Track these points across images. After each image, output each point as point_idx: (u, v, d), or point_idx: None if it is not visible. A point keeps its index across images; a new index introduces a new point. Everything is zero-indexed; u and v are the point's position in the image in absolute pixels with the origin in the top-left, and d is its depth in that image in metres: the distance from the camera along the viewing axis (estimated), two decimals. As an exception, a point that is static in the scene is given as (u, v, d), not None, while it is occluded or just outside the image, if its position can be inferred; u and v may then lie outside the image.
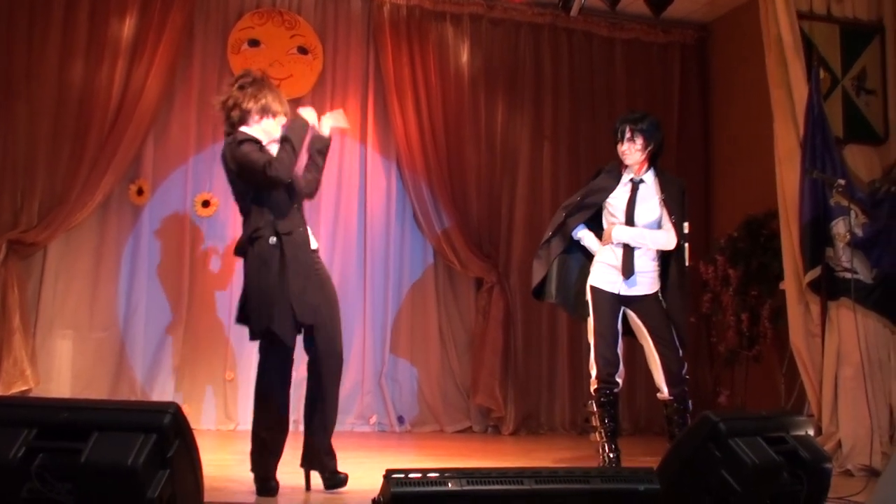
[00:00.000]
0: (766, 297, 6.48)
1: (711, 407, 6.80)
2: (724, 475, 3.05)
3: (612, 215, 4.84)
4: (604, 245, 4.82)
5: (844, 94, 5.64)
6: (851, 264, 5.12)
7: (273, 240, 3.94)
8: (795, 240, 5.33)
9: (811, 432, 3.55)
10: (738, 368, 6.87)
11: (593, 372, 4.73)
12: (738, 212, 6.98)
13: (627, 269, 4.70)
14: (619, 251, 4.74)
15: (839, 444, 5.03)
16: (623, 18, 7.82)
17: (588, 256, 4.96)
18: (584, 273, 4.93)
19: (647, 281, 4.77)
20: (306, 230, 4.08)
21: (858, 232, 5.23)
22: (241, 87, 4.10)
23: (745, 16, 6.90)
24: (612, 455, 4.67)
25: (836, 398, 5.13)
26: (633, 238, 4.73)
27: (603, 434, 4.71)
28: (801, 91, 5.38)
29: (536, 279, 4.99)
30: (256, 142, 4.01)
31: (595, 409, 4.74)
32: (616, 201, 4.83)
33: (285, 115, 4.17)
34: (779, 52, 5.48)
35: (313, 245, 4.15)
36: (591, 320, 4.78)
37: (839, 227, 5.20)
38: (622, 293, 4.75)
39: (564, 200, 5.25)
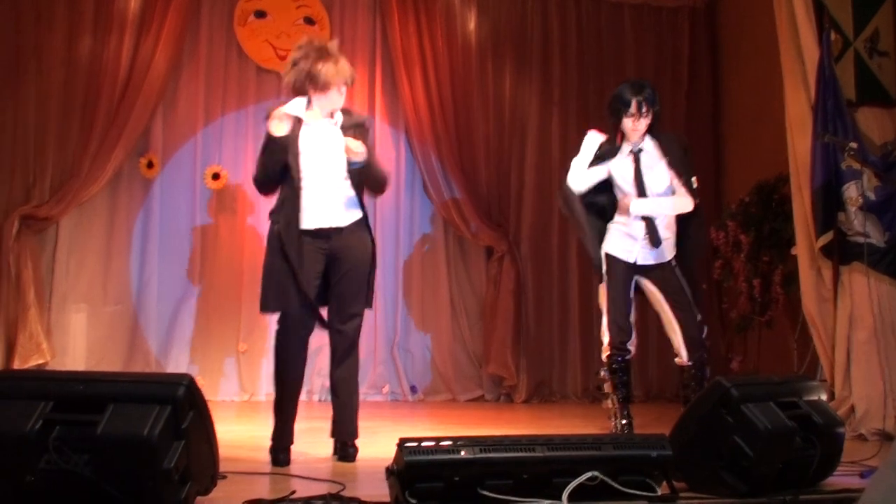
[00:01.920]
0: (777, 262, 6.45)
1: (724, 373, 6.81)
2: (736, 441, 3.06)
3: (622, 190, 4.77)
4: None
5: (857, 56, 5.57)
6: (864, 228, 5.09)
7: (276, 228, 4.05)
8: (807, 204, 5.31)
9: (824, 397, 3.55)
10: (751, 334, 6.86)
11: (605, 339, 4.73)
12: (749, 177, 6.94)
13: (655, 240, 4.65)
14: (640, 222, 4.71)
15: (852, 409, 5.03)
16: (632, -17, 7.76)
17: (602, 218, 4.89)
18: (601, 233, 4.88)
19: (664, 248, 4.73)
20: (298, 218, 4.04)
21: (871, 195, 5.20)
22: (294, 63, 4.12)
23: (756, -22, 6.83)
24: (623, 422, 4.68)
25: (849, 363, 5.12)
26: (652, 209, 4.69)
27: (615, 401, 4.73)
28: (812, 54, 5.33)
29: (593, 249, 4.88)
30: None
31: (607, 376, 4.76)
32: (622, 173, 4.75)
33: (346, 84, 4.15)
34: (789, 15, 5.42)
35: (339, 223, 4.10)
36: (603, 287, 4.77)
37: (851, 191, 5.17)
38: (639, 262, 4.72)
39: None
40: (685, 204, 4.70)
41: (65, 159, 6.43)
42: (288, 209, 4.03)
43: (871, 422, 4.95)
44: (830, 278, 5.24)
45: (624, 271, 4.73)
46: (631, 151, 4.74)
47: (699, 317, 4.70)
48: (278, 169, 4.05)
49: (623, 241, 4.74)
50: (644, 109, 4.65)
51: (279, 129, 4.00)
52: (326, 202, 4.08)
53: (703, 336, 4.70)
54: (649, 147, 4.76)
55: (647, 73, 7.46)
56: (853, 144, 4.86)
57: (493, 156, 7.36)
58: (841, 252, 5.20)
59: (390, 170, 7.16)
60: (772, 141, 6.36)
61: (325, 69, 4.07)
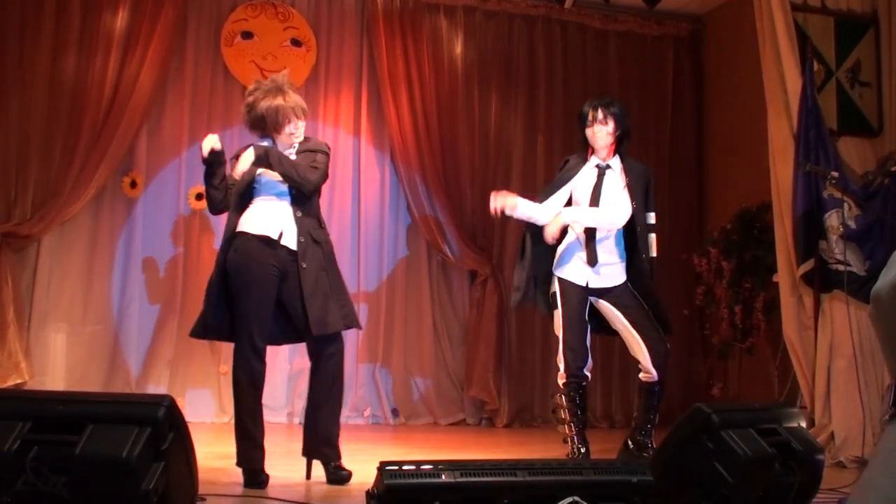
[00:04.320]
0: (759, 289, 6.49)
1: (705, 399, 6.82)
2: (716, 467, 3.06)
3: (577, 202, 4.73)
4: (551, 232, 4.60)
5: (839, 86, 5.64)
6: (844, 257, 5.13)
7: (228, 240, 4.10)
8: (789, 232, 5.34)
9: (804, 424, 3.56)
10: (732, 361, 6.89)
11: (561, 365, 4.64)
12: (731, 204, 6.99)
13: (591, 258, 4.63)
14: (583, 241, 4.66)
15: (832, 436, 5.04)
16: (617, 10, 7.81)
17: (549, 249, 4.80)
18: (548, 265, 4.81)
19: (614, 273, 4.69)
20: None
21: (852, 224, 5.24)
22: (248, 110, 4.17)
23: (740, 8, 6.90)
24: (582, 449, 4.57)
25: (829, 390, 5.14)
26: (581, 216, 4.63)
27: (572, 427, 4.62)
28: (794, 83, 5.38)
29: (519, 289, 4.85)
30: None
31: (564, 402, 4.64)
32: (583, 186, 4.72)
33: (297, 116, 4.17)
34: (773, 45, 5.48)
35: (290, 244, 4.11)
36: (558, 313, 4.67)
37: (832, 220, 5.21)
38: (591, 285, 4.66)
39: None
40: (614, 215, 4.64)
41: (47, 177, 6.40)
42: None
43: (850, 449, 4.96)
44: (811, 306, 5.27)
45: (578, 295, 4.66)
46: (597, 166, 4.73)
47: (661, 331, 4.66)
48: (212, 188, 4.21)
49: (574, 264, 4.68)
50: (601, 116, 4.66)
51: (205, 149, 4.15)
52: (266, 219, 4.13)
53: (667, 349, 4.66)
54: (616, 167, 4.74)
55: (631, 100, 7.52)
56: (834, 173, 4.91)
57: (477, 180, 7.37)
58: (822, 280, 5.23)
59: (375, 193, 7.20)
60: (754, 169, 6.41)
61: (272, 111, 4.10)
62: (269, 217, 4.10)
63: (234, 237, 4.08)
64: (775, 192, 5.49)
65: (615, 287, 4.69)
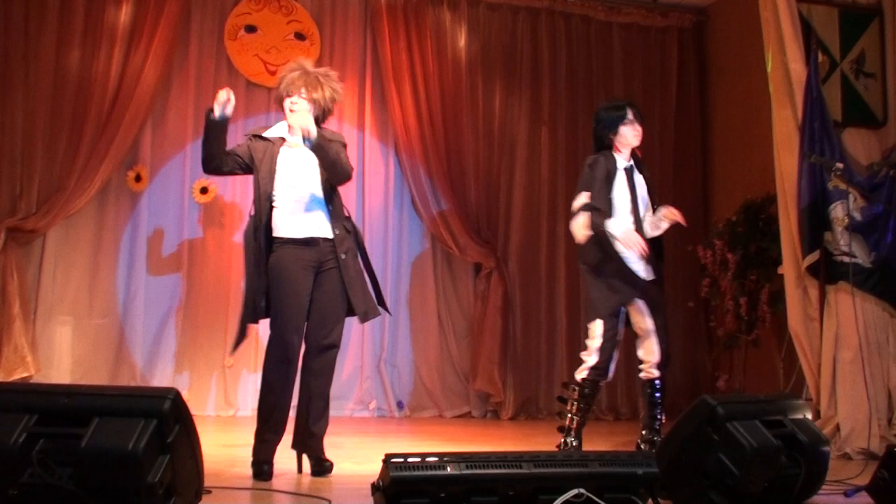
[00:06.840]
0: (764, 281, 6.49)
1: (710, 391, 6.83)
2: (722, 458, 3.07)
3: (616, 206, 4.64)
4: (627, 244, 4.52)
5: (843, 77, 5.63)
6: (850, 248, 5.12)
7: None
8: (794, 224, 5.33)
9: (809, 416, 3.56)
10: (737, 353, 6.88)
11: (593, 359, 4.59)
12: (736, 196, 6.99)
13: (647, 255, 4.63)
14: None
15: (837, 428, 5.04)
16: (621, 3, 7.80)
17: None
18: None
19: (651, 267, 4.69)
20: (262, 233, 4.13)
21: (857, 216, 5.24)
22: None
23: (744, -1, 6.89)
24: (575, 443, 4.59)
25: (835, 382, 5.14)
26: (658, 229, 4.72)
27: (575, 420, 4.62)
28: (799, 74, 5.37)
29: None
30: (262, 137, 4.24)
31: (577, 395, 4.62)
32: (620, 189, 4.66)
33: (300, 94, 4.18)
34: (777, 36, 5.47)
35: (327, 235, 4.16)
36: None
37: (837, 211, 5.20)
38: (647, 279, 4.66)
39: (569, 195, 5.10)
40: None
41: (52, 171, 6.41)
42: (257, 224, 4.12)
43: (856, 441, 4.96)
44: (816, 298, 5.27)
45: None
46: (625, 168, 4.70)
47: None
48: (213, 148, 4.25)
49: (629, 260, 4.64)
50: (632, 116, 4.69)
51: (217, 110, 4.12)
52: (299, 219, 4.13)
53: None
54: (633, 168, 4.76)
55: (635, 92, 7.52)
56: (839, 165, 4.89)
57: (482, 172, 7.37)
58: (827, 272, 5.23)
59: (380, 185, 7.20)
60: (759, 161, 6.41)
61: (283, 81, 4.21)
62: (307, 217, 4.13)
63: (272, 241, 4.09)
64: (780, 184, 5.48)
65: (654, 280, 4.69)
